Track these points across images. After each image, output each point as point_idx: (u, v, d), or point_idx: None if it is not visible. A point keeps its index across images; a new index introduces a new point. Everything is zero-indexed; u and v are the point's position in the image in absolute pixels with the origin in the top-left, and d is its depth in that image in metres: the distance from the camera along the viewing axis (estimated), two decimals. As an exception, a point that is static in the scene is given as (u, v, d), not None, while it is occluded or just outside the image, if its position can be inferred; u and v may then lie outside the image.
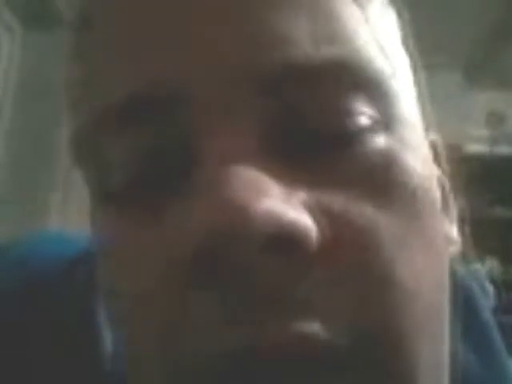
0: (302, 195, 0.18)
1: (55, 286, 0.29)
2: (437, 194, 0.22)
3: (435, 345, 0.19)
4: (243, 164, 0.17)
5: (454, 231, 0.26)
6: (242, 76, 0.18)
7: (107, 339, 0.27)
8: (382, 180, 0.19)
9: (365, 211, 0.18)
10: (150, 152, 0.19)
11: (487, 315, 0.29)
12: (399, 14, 0.25)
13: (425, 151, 0.22)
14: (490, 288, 0.32)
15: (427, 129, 0.24)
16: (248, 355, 0.16)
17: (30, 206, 1.15)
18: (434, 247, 0.20)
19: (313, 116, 0.19)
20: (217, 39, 0.18)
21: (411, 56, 0.24)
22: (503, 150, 2.30)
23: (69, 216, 1.18)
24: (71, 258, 0.30)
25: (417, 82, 0.24)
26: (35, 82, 1.23)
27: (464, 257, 0.28)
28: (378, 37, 0.21)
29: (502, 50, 2.22)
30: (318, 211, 0.17)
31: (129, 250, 0.19)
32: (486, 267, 1.91)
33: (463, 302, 0.22)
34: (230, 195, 0.16)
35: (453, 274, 0.22)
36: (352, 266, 0.17)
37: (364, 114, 0.19)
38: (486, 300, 0.31)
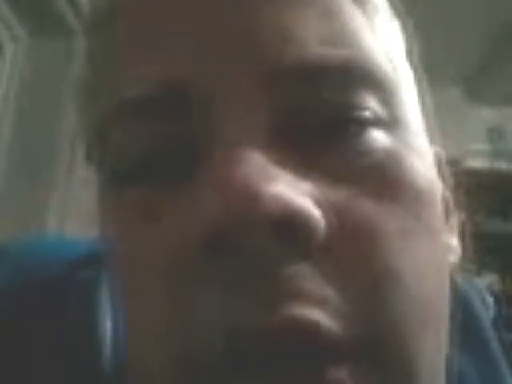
0: (309, 186, 0.18)
1: (55, 287, 0.29)
2: (438, 198, 0.22)
3: (435, 340, 0.20)
4: (254, 150, 0.18)
5: (454, 240, 0.26)
6: (255, 69, 0.19)
7: (107, 340, 0.27)
8: (387, 178, 0.19)
9: (369, 207, 0.18)
10: (165, 140, 0.20)
11: (487, 327, 0.29)
12: (405, 28, 0.25)
13: (429, 159, 0.23)
14: (490, 300, 0.33)
15: (432, 142, 0.24)
16: (249, 336, 0.16)
17: (29, 206, 1.15)
18: (435, 245, 0.20)
19: (321, 109, 0.19)
20: (231, 35, 0.19)
21: (415, 70, 0.25)
22: (503, 165, 2.31)
23: (69, 216, 1.17)
24: (71, 261, 0.30)
25: (421, 96, 0.24)
26: (38, 88, 1.24)
27: (464, 270, 0.28)
28: (385, 46, 0.22)
29: (503, 65, 2.23)
30: (323, 203, 0.18)
31: (145, 229, 0.19)
32: (485, 281, 1.91)
33: (463, 314, 0.22)
34: (240, 177, 0.16)
35: (453, 285, 0.22)
36: (356, 259, 0.18)
37: (370, 110, 0.20)
38: (487, 312, 0.31)
